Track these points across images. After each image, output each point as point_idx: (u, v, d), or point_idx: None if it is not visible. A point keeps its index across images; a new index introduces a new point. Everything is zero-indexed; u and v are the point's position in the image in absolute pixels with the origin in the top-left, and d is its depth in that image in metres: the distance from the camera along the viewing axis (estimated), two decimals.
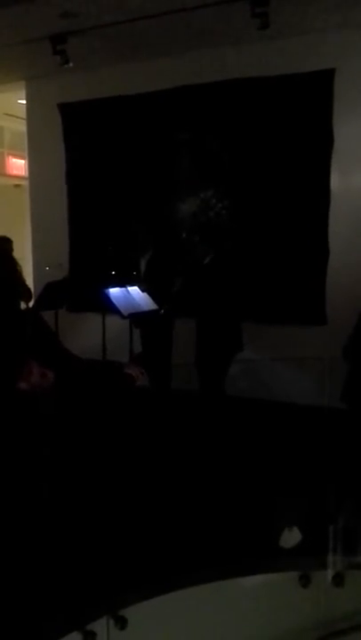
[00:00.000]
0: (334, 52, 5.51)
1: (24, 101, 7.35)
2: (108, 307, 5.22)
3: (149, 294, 5.35)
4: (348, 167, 5.67)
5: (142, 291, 5.38)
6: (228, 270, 5.01)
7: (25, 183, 8.36)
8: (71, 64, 5.70)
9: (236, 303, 4.94)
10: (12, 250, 6.25)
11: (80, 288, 6.53)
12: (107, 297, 5.17)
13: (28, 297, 6.12)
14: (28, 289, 6.30)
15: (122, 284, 5.37)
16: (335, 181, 5.68)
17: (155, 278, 5.47)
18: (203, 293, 4.90)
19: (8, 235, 6.36)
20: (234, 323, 4.89)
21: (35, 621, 1.65)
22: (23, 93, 7.28)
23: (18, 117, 8.20)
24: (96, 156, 6.80)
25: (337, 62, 5.50)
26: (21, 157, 8.83)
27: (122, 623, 1.70)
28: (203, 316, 4.89)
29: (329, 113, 5.60)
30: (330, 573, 1.94)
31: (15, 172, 9.41)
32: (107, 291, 5.21)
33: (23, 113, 7.47)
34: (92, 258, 6.86)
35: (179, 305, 5.28)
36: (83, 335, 6.16)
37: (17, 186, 9.41)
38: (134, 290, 5.37)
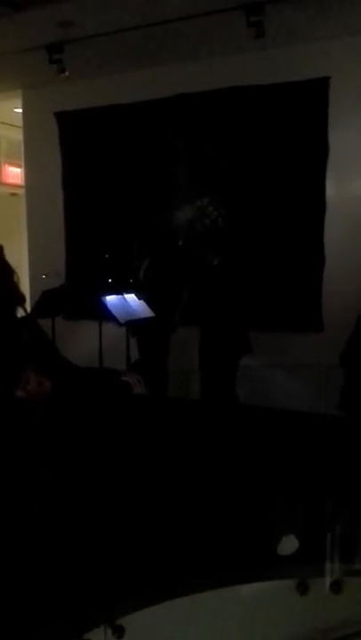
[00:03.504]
0: (330, 60, 5.55)
1: (20, 110, 7.38)
2: (105, 314, 5.22)
3: (146, 302, 5.36)
4: (343, 175, 5.70)
5: (139, 298, 5.38)
6: (226, 277, 5.01)
7: (21, 192, 8.36)
8: (67, 73, 5.73)
9: (237, 308, 4.94)
10: (4, 256, 6.23)
11: (77, 296, 6.53)
12: (103, 304, 5.17)
13: (22, 302, 6.10)
14: (23, 295, 6.28)
15: (119, 292, 5.37)
16: (331, 189, 5.71)
17: (152, 286, 5.47)
18: (203, 301, 4.90)
19: (4, 243, 6.34)
20: (237, 327, 4.89)
21: (31, 631, 1.64)
22: (19, 102, 7.31)
23: (14, 126, 8.22)
24: (92, 164, 6.82)
25: (332, 70, 5.54)
26: (17, 166, 8.83)
27: (119, 632, 1.69)
28: (205, 324, 4.89)
29: (324, 121, 5.63)
30: (328, 581, 1.93)
31: (11, 181, 9.41)
32: (103, 298, 5.21)
33: (19, 121, 7.49)
34: (88, 265, 6.86)
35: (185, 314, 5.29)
36: (79, 343, 6.15)
37: (13, 194, 9.41)
38: (131, 297, 5.37)
